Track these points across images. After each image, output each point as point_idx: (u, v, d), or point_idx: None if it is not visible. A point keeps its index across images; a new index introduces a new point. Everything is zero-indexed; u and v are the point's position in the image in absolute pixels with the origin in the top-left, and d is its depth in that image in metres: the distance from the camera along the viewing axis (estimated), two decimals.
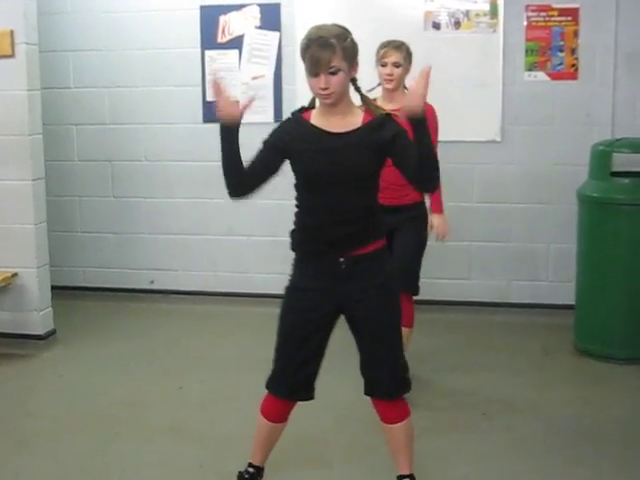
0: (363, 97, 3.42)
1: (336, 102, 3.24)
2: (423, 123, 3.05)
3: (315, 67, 3.15)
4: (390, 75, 4.69)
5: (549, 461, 4.10)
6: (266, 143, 3.35)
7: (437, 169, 3.17)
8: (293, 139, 3.29)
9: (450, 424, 4.53)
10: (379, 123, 3.26)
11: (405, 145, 3.19)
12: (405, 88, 4.68)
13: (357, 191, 3.30)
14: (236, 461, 3.76)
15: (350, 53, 3.20)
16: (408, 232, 4.76)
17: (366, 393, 3.49)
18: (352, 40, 3.24)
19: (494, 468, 4.03)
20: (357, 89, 3.38)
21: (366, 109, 3.35)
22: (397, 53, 4.73)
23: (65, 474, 4.05)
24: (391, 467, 3.63)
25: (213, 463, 4.09)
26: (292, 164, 3.34)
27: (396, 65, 4.71)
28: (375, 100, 3.92)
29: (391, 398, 3.45)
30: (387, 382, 3.43)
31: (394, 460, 3.60)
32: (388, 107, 3.62)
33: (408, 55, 4.78)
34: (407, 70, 4.75)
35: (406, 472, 3.57)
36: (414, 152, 3.10)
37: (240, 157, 3.27)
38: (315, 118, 3.32)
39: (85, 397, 5.01)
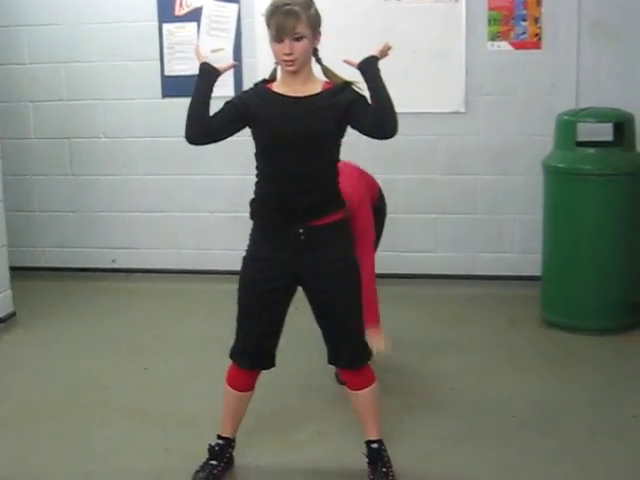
0: (324, 68, 3.41)
1: (298, 69, 3.27)
2: (377, 71, 3.28)
3: (280, 32, 3.20)
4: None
5: (518, 434, 4.07)
6: (228, 104, 3.37)
7: (395, 115, 3.23)
8: (255, 104, 3.32)
9: (418, 400, 4.48)
10: (340, 88, 3.32)
11: (365, 107, 3.26)
12: (318, 61, 3.42)
13: (318, 157, 3.32)
14: (202, 443, 3.70)
15: (314, 22, 3.27)
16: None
17: (329, 362, 3.54)
18: (316, 10, 3.30)
19: (464, 443, 3.99)
20: (318, 60, 3.39)
21: (326, 81, 3.39)
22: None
23: (29, 458, 3.97)
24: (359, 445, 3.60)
25: (178, 445, 4.02)
26: (253, 130, 3.35)
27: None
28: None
29: (354, 367, 3.49)
30: (349, 352, 3.45)
31: (363, 426, 3.61)
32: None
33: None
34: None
35: (374, 437, 3.59)
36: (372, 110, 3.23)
37: (208, 106, 3.29)
38: (277, 87, 3.36)
39: (47, 381, 4.91)
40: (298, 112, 3.27)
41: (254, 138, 3.36)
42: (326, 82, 3.36)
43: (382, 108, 3.21)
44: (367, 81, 3.25)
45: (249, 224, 3.48)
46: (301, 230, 3.31)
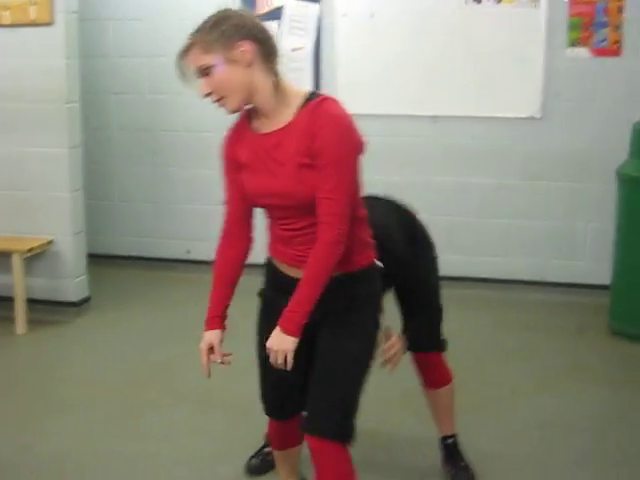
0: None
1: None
2: None
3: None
4: (207, 95, 2.65)
5: (576, 440, 4.08)
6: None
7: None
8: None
9: (480, 401, 4.51)
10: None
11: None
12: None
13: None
14: (260, 430, 3.74)
15: (220, 40, 2.59)
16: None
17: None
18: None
19: (521, 446, 4.02)
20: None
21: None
22: (197, 54, 2.64)
23: (96, 438, 4.12)
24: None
25: (238, 430, 4.12)
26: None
27: (205, 72, 2.62)
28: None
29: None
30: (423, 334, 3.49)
31: (436, 423, 3.72)
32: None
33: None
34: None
35: (450, 432, 3.71)
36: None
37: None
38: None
39: (117, 364, 5.08)
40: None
41: None
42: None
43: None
44: None
45: None
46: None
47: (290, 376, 2.75)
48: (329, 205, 2.55)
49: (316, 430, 2.73)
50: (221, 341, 2.97)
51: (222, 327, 2.97)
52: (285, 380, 2.86)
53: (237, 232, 2.89)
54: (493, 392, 4.66)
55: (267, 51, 2.60)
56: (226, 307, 2.98)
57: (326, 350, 2.77)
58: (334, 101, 2.61)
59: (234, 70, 2.59)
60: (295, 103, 2.60)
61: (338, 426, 2.73)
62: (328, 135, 2.51)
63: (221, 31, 2.59)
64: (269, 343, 2.69)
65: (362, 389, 2.79)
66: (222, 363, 2.94)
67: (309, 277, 2.62)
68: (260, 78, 2.59)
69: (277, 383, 2.96)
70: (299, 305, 2.62)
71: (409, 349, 3.54)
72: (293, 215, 2.68)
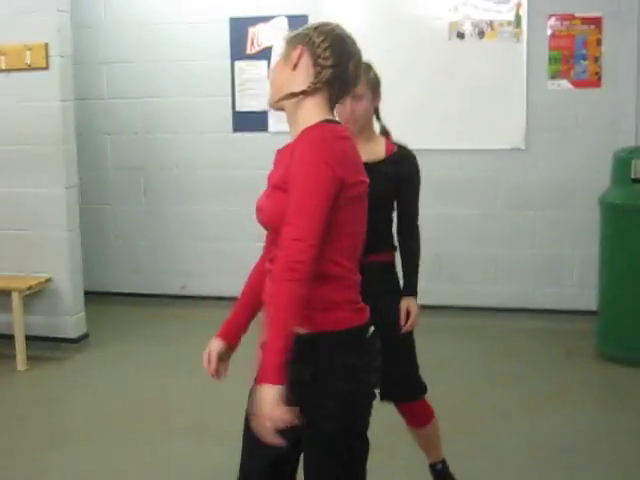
0: (382, 127, 3.60)
1: (360, 129, 3.41)
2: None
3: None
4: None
5: (564, 461, 4.17)
6: None
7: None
8: None
9: (469, 425, 4.61)
10: (399, 158, 3.52)
11: (410, 198, 3.58)
12: (378, 119, 3.61)
13: (379, 212, 3.41)
14: None
15: (373, 84, 3.45)
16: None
17: (382, 398, 3.39)
18: (375, 74, 3.49)
19: (511, 467, 4.12)
20: (378, 118, 3.58)
21: (386, 137, 3.59)
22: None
23: (95, 469, 4.21)
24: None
25: (235, 461, 4.19)
26: None
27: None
28: None
29: (411, 400, 3.60)
30: (405, 386, 3.60)
31: (425, 453, 3.79)
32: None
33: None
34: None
35: (438, 459, 3.78)
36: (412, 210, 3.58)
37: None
38: None
39: (115, 398, 5.18)
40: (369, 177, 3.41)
41: None
42: (386, 139, 3.56)
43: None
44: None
45: None
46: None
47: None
48: (287, 230, 2.32)
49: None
50: (221, 352, 2.77)
51: (227, 339, 2.77)
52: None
53: None
54: (483, 416, 4.76)
55: (318, 65, 2.48)
56: (246, 319, 2.78)
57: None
58: (325, 128, 2.46)
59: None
60: (303, 126, 2.49)
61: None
62: (299, 159, 2.39)
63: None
64: (250, 409, 2.37)
65: None
66: (212, 375, 2.78)
67: (268, 317, 2.33)
68: (294, 84, 2.51)
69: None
70: (267, 351, 2.30)
71: (392, 400, 3.61)
72: (270, 241, 2.55)
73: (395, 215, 3.62)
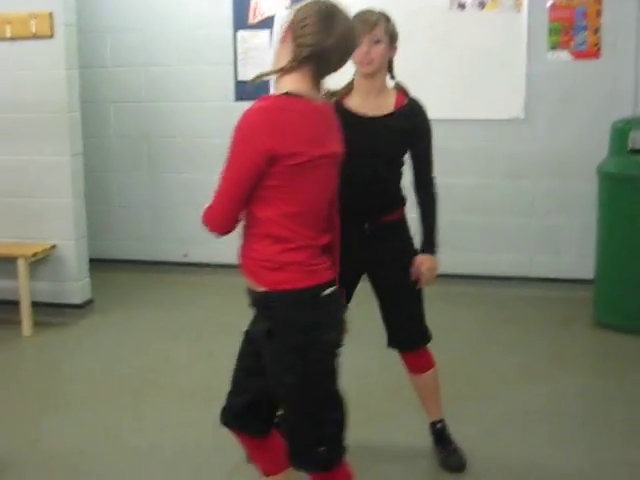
0: (396, 82, 3.68)
1: (374, 72, 3.52)
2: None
3: (360, 33, 3.28)
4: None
5: (558, 425, 4.28)
6: None
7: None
8: None
9: (467, 390, 4.71)
10: (410, 111, 3.61)
11: (424, 153, 3.67)
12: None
13: (388, 165, 3.65)
14: None
15: (391, 32, 3.56)
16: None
17: (389, 345, 3.78)
18: (394, 25, 3.59)
19: (504, 431, 4.23)
20: (391, 73, 3.67)
21: (398, 90, 3.66)
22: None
23: (100, 433, 4.31)
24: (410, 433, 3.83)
25: None
26: None
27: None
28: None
29: (415, 348, 3.76)
30: (411, 335, 3.75)
31: (425, 409, 3.90)
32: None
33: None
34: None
35: (438, 417, 3.90)
36: (425, 162, 3.68)
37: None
38: (351, 101, 3.58)
39: (119, 362, 5.28)
40: (372, 132, 3.55)
41: None
42: (398, 93, 3.64)
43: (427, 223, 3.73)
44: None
45: None
46: (366, 225, 3.63)
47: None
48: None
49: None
50: None
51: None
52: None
53: None
54: (480, 381, 4.86)
55: (296, 44, 2.65)
56: None
57: None
58: (275, 99, 2.66)
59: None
60: None
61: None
62: (235, 127, 2.65)
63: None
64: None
65: None
66: None
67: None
68: (284, 53, 2.69)
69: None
70: None
71: (397, 347, 3.79)
72: None
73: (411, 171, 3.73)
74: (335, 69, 2.71)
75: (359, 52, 3.43)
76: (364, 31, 3.43)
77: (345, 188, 3.49)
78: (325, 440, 2.78)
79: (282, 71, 2.66)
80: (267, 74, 2.72)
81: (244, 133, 2.61)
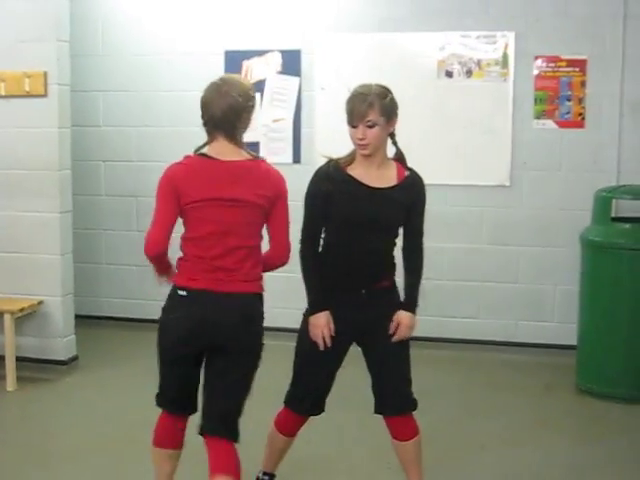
0: (398, 152, 3.73)
1: (371, 153, 3.57)
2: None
3: (354, 119, 3.51)
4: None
5: None
6: (314, 199, 3.66)
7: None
8: (333, 188, 3.60)
9: (450, 455, 4.71)
10: (410, 184, 3.69)
11: (415, 223, 3.75)
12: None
13: (385, 236, 3.72)
14: (249, 468, 3.92)
15: (388, 110, 3.54)
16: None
17: (376, 411, 3.79)
18: (392, 98, 3.59)
19: None
20: (394, 143, 3.71)
21: (398, 163, 3.71)
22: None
23: None
24: None
25: None
26: (333, 209, 3.63)
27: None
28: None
29: (402, 414, 3.74)
30: (398, 400, 3.74)
31: (406, 475, 3.85)
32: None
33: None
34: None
35: None
36: (418, 232, 3.77)
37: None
38: (354, 170, 3.63)
39: (103, 420, 5.27)
40: (375, 203, 3.60)
41: (326, 215, 3.65)
42: (398, 165, 3.69)
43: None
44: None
45: (301, 284, 3.73)
46: (364, 291, 3.68)
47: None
48: None
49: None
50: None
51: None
52: (332, 378, 3.75)
53: None
54: (463, 447, 4.86)
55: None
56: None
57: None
58: (183, 159, 3.79)
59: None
60: None
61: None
62: None
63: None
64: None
65: None
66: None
67: None
68: None
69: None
70: None
71: (383, 414, 3.79)
72: None
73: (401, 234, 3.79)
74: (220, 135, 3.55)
75: (354, 136, 3.53)
76: (357, 118, 3.50)
77: (345, 256, 3.68)
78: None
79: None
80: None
81: (162, 180, 3.79)
